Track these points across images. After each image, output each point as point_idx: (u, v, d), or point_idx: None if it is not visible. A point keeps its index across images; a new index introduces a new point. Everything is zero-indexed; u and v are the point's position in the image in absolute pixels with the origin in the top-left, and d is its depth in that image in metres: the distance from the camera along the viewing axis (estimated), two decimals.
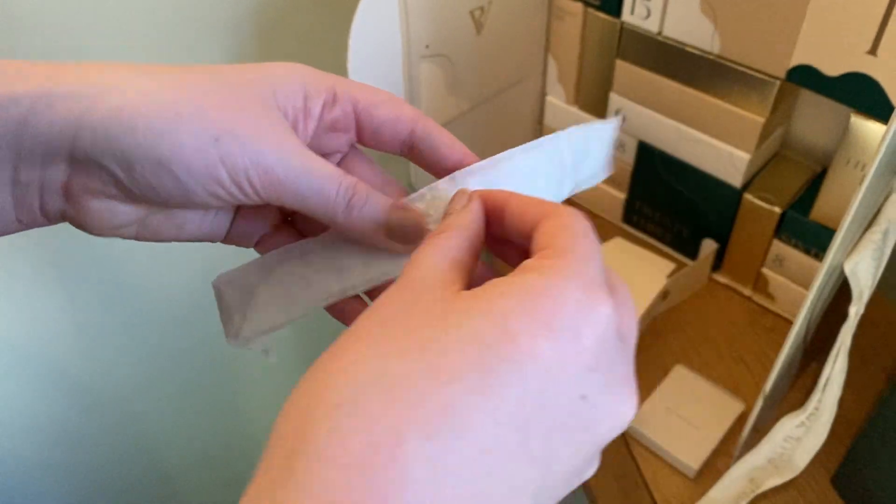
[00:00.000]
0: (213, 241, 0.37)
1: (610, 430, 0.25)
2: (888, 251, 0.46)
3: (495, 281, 0.25)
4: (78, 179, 0.31)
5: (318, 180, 0.32)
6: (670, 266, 0.66)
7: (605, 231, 0.78)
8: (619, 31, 0.65)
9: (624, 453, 0.60)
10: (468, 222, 0.30)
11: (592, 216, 0.79)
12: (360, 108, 0.36)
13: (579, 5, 0.66)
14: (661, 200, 0.72)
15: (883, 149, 0.37)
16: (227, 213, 0.37)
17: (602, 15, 0.65)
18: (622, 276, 0.65)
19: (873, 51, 0.50)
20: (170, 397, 1.02)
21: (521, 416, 0.23)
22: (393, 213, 0.34)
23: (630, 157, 0.71)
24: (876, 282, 0.47)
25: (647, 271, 0.65)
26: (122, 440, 1.04)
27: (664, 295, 0.66)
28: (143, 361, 0.94)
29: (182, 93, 0.31)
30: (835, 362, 0.49)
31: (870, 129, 0.54)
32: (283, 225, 0.39)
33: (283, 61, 0.36)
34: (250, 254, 0.39)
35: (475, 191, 0.32)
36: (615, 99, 0.69)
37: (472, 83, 0.66)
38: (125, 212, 0.33)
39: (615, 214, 0.77)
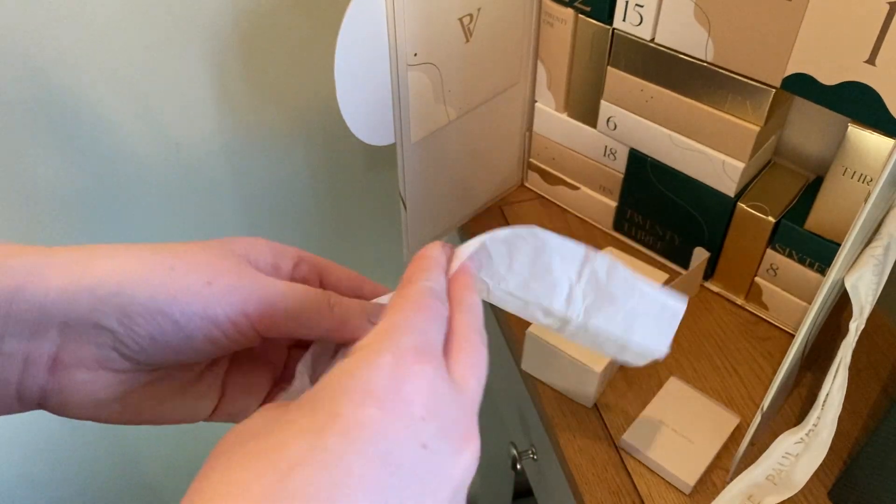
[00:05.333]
0: (195, 420, 0.38)
1: (462, 475, 0.27)
2: (889, 266, 0.45)
3: (328, 372, 0.27)
4: (69, 348, 0.31)
5: (300, 294, 0.35)
6: (663, 276, 0.65)
7: (595, 239, 0.77)
8: (610, 37, 0.63)
9: (619, 468, 0.59)
10: None
11: (583, 223, 0.78)
12: (322, 268, 0.39)
13: (570, 11, 0.65)
14: (652, 208, 0.71)
15: (890, 165, 0.36)
16: (211, 390, 0.38)
17: (593, 21, 0.64)
18: None
19: (872, 60, 0.49)
20: None
21: (376, 482, 0.24)
22: (367, 305, 0.37)
23: (621, 164, 0.70)
24: (877, 297, 0.46)
25: None
26: (105, 452, 1.02)
27: None
28: None
29: (169, 253, 0.33)
30: (834, 378, 0.48)
31: (867, 139, 0.53)
32: (275, 389, 0.41)
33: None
34: None
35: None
36: (606, 107, 0.67)
37: (460, 91, 0.65)
38: (111, 384, 0.33)
39: (606, 222, 0.76)
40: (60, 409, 0.33)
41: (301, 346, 0.41)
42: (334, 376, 0.27)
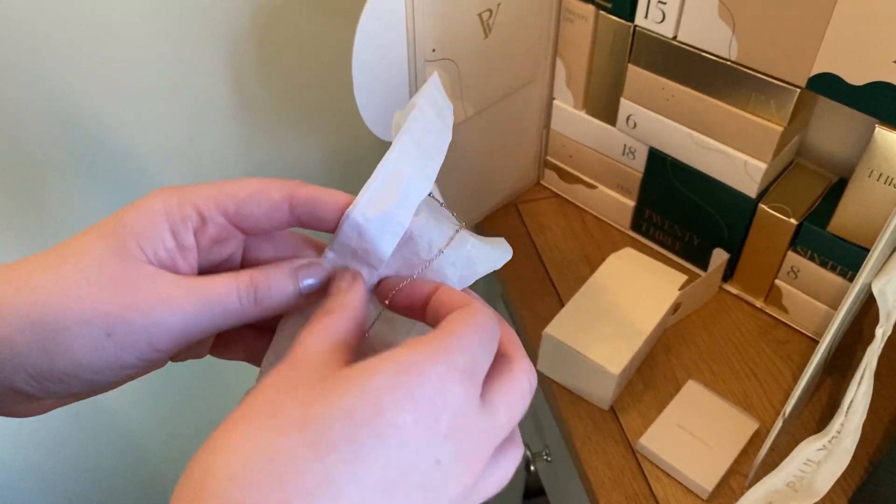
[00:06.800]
0: (157, 369, 0.37)
1: (459, 494, 0.28)
2: None
3: (378, 357, 0.27)
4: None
5: (218, 304, 0.32)
6: (682, 278, 0.64)
7: (612, 238, 0.76)
8: (631, 34, 0.62)
9: (635, 472, 0.58)
10: (352, 303, 0.32)
11: (600, 223, 0.77)
12: (232, 214, 0.34)
13: (590, 8, 0.64)
14: (671, 209, 0.70)
15: None
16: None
17: (614, 18, 0.63)
18: (633, 288, 0.63)
19: None
20: (158, 402, 1.00)
21: (386, 481, 0.25)
22: (301, 273, 0.34)
23: (640, 164, 0.69)
24: None
25: (658, 283, 0.63)
26: (111, 446, 1.02)
27: (675, 308, 0.64)
28: None
29: (56, 302, 0.30)
30: (859, 385, 0.47)
31: (895, 141, 0.52)
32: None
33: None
34: None
35: (357, 271, 0.34)
36: (626, 105, 0.66)
37: (478, 87, 0.64)
38: (57, 402, 0.34)
39: (623, 222, 0.75)
40: (17, 416, 0.34)
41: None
42: (387, 363, 0.27)
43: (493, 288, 0.89)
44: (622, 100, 0.67)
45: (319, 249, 0.37)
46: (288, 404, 0.26)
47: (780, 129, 0.57)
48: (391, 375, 0.26)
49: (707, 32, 0.57)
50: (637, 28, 0.62)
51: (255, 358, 0.39)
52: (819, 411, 0.61)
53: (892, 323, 0.45)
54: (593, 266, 0.67)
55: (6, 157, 0.67)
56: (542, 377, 0.64)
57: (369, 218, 0.33)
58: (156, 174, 0.75)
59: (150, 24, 0.64)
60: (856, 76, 0.51)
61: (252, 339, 0.39)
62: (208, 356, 0.40)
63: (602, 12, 0.64)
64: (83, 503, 1.07)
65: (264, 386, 0.27)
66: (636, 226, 0.75)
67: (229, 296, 0.33)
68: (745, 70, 0.57)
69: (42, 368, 0.30)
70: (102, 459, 1.03)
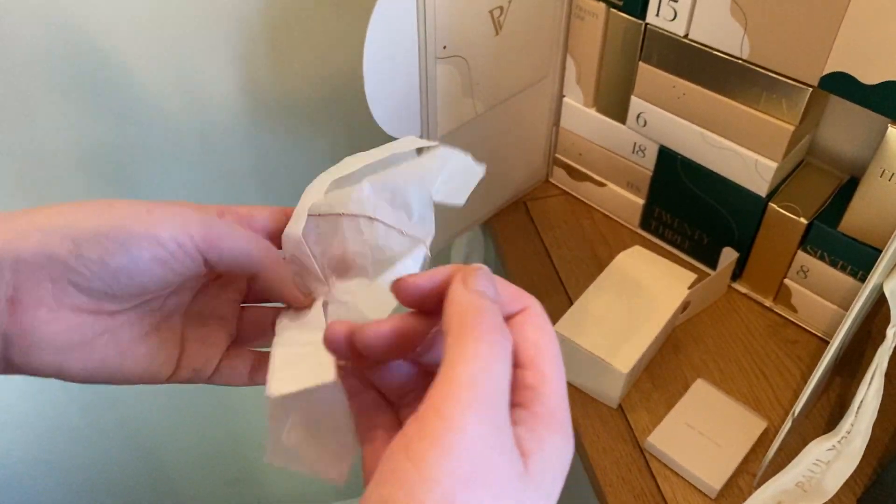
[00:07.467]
0: (160, 378, 0.40)
1: None
2: None
3: (545, 449, 0.29)
4: (25, 287, 0.33)
5: (239, 228, 0.37)
6: (691, 276, 0.64)
7: (621, 237, 0.76)
8: (642, 32, 0.62)
9: (643, 471, 0.58)
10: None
11: (609, 221, 0.77)
12: (243, 217, 0.40)
13: (601, 5, 0.64)
14: (681, 207, 0.70)
15: None
16: (169, 342, 0.39)
17: (625, 16, 0.63)
18: (642, 286, 0.63)
19: None
20: (168, 395, 1.00)
21: None
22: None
23: (650, 162, 0.69)
24: None
25: (667, 282, 0.63)
26: (121, 438, 1.03)
27: (684, 306, 0.64)
28: None
29: (109, 200, 0.35)
30: (869, 385, 0.47)
31: None
32: (233, 347, 0.42)
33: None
34: None
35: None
36: (636, 103, 0.66)
37: (488, 85, 0.64)
38: (72, 328, 0.34)
39: (633, 220, 0.75)
40: (25, 356, 0.34)
41: (250, 300, 0.43)
42: (556, 467, 0.29)
43: None
44: (633, 98, 0.66)
45: None
46: (489, 486, 0.26)
47: (792, 128, 0.57)
48: (555, 474, 0.29)
49: (719, 31, 0.57)
50: (648, 26, 0.62)
51: (254, 380, 0.42)
52: (828, 411, 0.61)
53: None
54: (602, 264, 0.67)
55: (22, 159, 0.67)
56: None
57: (292, 228, 0.40)
58: (166, 172, 0.75)
59: (160, 21, 0.64)
60: (869, 75, 0.51)
61: (254, 358, 0.42)
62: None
63: (613, 10, 0.64)
64: (93, 495, 1.08)
65: (456, 429, 0.26)
66: (645, 224, 0.75)
67: (250, 232, 0.38)
68: (757, 69, 0.57)
69: (86, 228, 0.33)
70: (113, 453, 1.04)
